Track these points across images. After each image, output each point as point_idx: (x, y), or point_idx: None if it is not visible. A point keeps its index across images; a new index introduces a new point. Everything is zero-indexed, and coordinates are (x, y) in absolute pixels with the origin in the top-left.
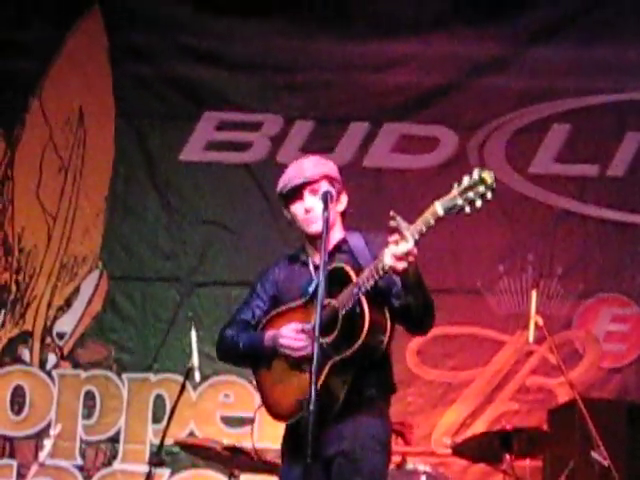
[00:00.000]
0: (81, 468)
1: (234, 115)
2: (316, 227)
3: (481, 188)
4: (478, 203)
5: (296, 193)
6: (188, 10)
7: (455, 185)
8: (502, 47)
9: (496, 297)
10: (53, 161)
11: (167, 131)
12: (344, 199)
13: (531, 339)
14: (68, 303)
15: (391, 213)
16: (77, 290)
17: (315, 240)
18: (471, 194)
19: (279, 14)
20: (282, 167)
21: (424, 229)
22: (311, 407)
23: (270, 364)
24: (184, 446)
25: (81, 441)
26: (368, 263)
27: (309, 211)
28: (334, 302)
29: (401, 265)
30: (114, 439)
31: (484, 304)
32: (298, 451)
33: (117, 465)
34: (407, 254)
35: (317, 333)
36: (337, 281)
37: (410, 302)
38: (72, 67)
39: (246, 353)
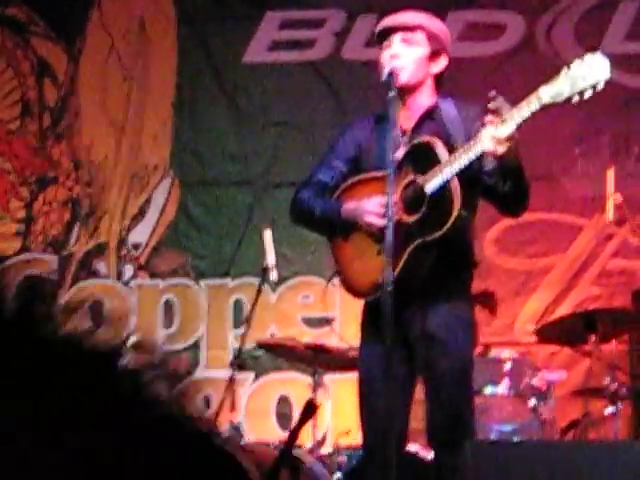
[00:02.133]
0: None
1: (296, 13)
2: (400, 79)
3: (593, 76)
4: (588, 93)
5: (386, 37)
6: None
7: (564, 70)
8: None
9: (572, 181)
10: (117, 71)
11: (230, 34)
12: (443, 61)
13: (610, 217)
14: (141, 213)
15: (492, 93)
16: (149, 199)
17: (403, 97)
18: (581, 83)
19: None
20: (347, 63)
21: (527, 114)
22: (388, 288)
23: (349, 235)
24: (266, 347)
25: None
26: (459, 134)
27: (394, 57)
28: (420, 179)
29: (501, 149)
30: (196, 346)
31: (561, 189)
32: (378, 330)
33: (200, 372)
34: (508, 139)
35: (389, 214)
36: (424, 155)
37: (507, 188)
38: None
39: (322, 221)
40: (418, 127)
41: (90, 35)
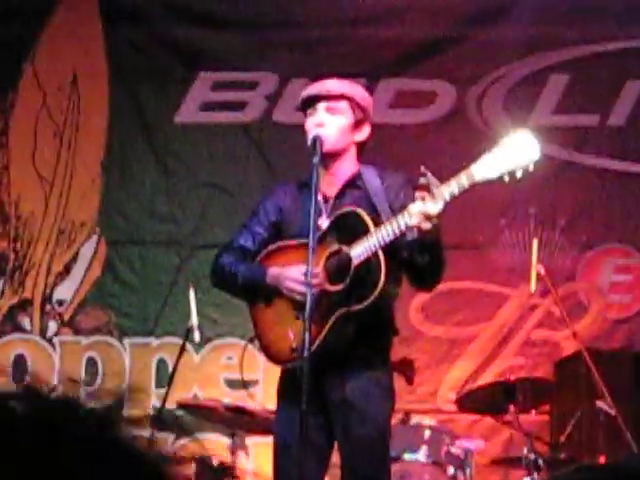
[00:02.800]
0: None
1: (228, 75)
2: (324, 146)
3: (523, 157)
4: (519, 174)
5: (312, 105)
6: None
7: (495, 149)
8: None
9: (498, 251)
10: (48, 127)
11: (161, 93)
12: (365, 130)
13: (533, 288)
14: (67, 270)
15: (422, 169)
16: (76, 256)
17: (327, 164)
18: (512, 164)
19: None
20: (278, 126)
21: (456, 192)
22: (305, 354)
23: (270, 301)
24: (187, 408)
25: None
26: (382, 202)
27: (319, 126)
28: (346, 249)
29: (427, 226)
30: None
31: (487, 259)
32: (295, 395)
33: None
34: (436, 215)
35: (309, 281)
36: (349, 224)
37: (425, 260)
38: (65, 31)
39: (244, 287)
40: (341, 194)
41: (22, 89)
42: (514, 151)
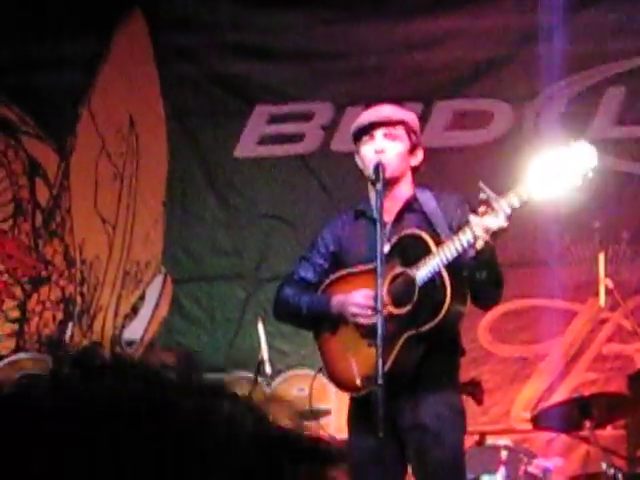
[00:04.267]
0: None
1: (284, 107)
2: (386, 173)
3: (579, 166)
4: (575, 184)
5: (368, 132)
6: (229, 5)
7: (550, 160)
8: (549, 14)
9: (564, 267)
10: (108, 170)
11: (219, 129)
12: (420, 154)
13: (602, 302)
14: (134, 310)
15: (480, 184)
16: (142, 297)
17: (385, 190)
18: (567, 172)
19: (320, 1)
20: (337, 155)
21: (516, 204)
22: (379, 381)
23: (336, 329)
24: None
25: None
26: (441, 224)
27: (379, 152)
28: (409, 272)
29: (491, 239)
30: None
31: (553, 275)
32: (368, 423)
33: None
34: (500, 229)
35: (379, 306)
36: (411, 247)
37: (484, 278)
38: (119, 73)
39: (309, 317)
40: (399, 219)
41: (80, 134)
42: (569, 161)
